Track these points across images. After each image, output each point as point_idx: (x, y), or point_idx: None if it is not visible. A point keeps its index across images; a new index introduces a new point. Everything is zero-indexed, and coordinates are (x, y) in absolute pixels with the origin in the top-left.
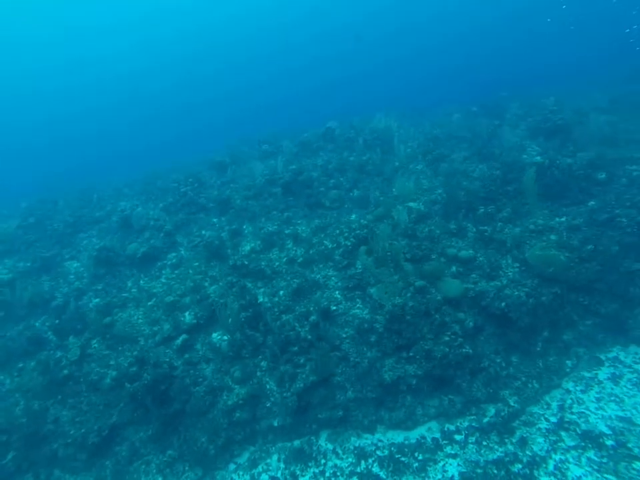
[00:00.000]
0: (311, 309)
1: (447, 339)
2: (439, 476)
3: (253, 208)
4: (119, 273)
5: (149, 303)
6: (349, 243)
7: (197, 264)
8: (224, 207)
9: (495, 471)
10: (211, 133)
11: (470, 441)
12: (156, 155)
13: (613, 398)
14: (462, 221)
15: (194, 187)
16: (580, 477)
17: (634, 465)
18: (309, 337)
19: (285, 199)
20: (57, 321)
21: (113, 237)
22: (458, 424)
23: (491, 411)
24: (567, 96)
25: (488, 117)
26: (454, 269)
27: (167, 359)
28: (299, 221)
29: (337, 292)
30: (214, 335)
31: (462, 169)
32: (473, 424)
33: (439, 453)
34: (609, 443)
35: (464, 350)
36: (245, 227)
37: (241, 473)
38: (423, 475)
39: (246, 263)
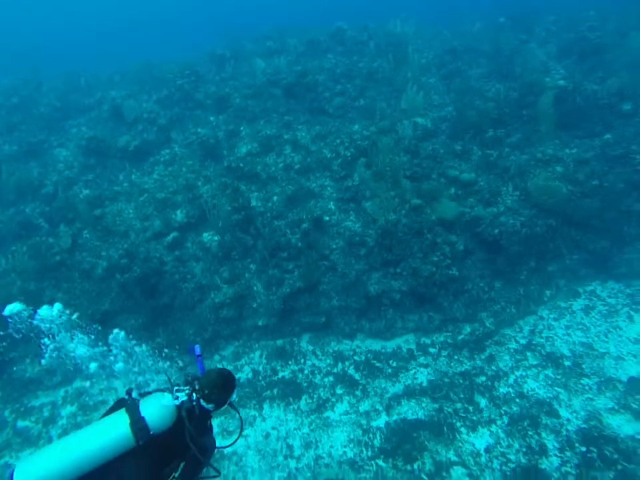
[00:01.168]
0: (304, 217)
1: (435, 259)
2: (409, 382)
3: (253, 108)
4: (110, 165)
5: (141, 199)
6: (348, 154)
7: (190, 162)
8: (222, 105)
9: (461, 381)
10: (212, 24)
11: (442, 354)
12: (152, 45)
13: (580, 326)
14: (468, 143)
15: (191, 80)
16: (534, 389)
17: (581, 381)
18: (299, 244)
19: (287, 102)
20: (47, 209)
21: (104, 126)
22: (434, 338)
23: (467, 329)
24: (615, 8)
25: (515, 30)
26: (453, 191)
27: (157, 255)
28: (299, 127)
29: (331, 202)
30: (205, 234)
31: (477, 87)
32: (448, 340)
33: (412, 362)
34: (567, 363)
35: (450, 271)
36: (242, 128)
37: (225, 363)
38: (395, 379)
39: (241, 165)
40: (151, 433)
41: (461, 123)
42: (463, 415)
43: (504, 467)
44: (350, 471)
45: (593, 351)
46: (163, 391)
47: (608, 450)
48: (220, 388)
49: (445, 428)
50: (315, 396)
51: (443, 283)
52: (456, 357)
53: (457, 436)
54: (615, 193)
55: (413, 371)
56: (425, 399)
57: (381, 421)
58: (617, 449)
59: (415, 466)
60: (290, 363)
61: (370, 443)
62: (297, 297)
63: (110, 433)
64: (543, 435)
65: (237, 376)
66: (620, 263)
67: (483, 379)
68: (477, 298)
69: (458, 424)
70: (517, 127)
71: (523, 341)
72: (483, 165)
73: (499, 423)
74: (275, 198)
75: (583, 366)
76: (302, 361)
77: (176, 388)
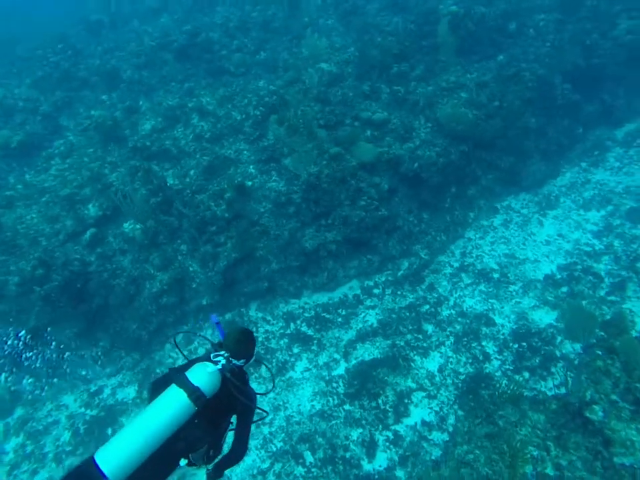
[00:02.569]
0: (225, 186)
1: (363, 203)
2: (360, 325)
3: (148, 80)
4: None
5: (43, 199)
6: (258, 113)
7: (91, 150)
8: (112, 81)
9: (407, 314)
10: None
11: (387, 293)
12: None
13: (502, 240)
14: (375, 82)
15: (67, 55)
16: (472, 305)
17: (509, 288)
18: (226, 215)
19: (183, 67)
20: None
21: None
22: (376, 279)
23: (405, 264)
24: None
25: None
26: (369, 132)
27: (78, 256)
28: (202, 92)
29: (250, 166)
30: (125, 225)
31: (375, 23)
32: (389, 278)
33: (360, 307)
34: (496, 276)
35: (380, 212)
36: (141, 102)
37: (177, 351)
38: (347, 327)
39: (148, 144)
40: (207, 397)
41: (365, 62)
42: (414, 344)
43: (456, 380)
44: (321, 422)
45: (515, 260)
46: (202, 362)
47: (534, 341)
48: (246, 343)
49: (400, 360)
50: (274, 360)
51: (375, 225)
52: (399, 293)
53: (412, 364)
54: (513, 111)
55: (362, 314)
56: (378, 339)
57: (340, 369)
58: (540, 338)
59: (380, 401)
60: None
61: (334, 392)
62: (235, 268)
63: (173, 406)
64: (484, 343)
65: (192, 357)
66: (527, 175)
67: (427, 307)
68: (409, 232)
69: (411, 354)
70: (419, 59)
71: (456, 264)
72: (393, 102)
73: (447, 343)
74: (192, 172)
75: (509, 275)
76: (254, 329)
77: (213, 354)
